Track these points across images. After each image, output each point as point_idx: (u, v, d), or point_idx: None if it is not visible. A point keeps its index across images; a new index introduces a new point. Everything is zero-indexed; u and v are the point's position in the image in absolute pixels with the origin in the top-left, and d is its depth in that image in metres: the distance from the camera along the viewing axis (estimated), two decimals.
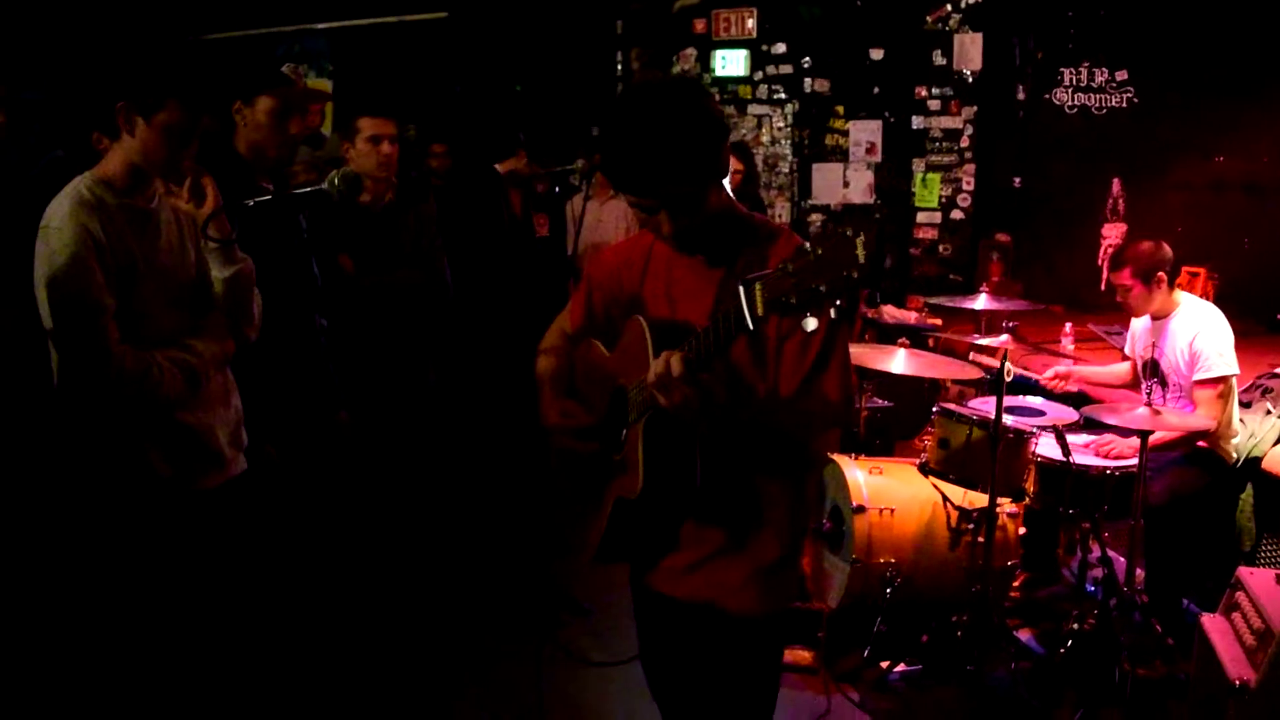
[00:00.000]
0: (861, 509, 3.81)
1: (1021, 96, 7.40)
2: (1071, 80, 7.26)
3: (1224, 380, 3.82)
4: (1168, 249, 3.93)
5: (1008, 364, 3.60)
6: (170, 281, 2.55)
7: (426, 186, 5.33)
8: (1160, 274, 3.90)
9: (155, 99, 2.40)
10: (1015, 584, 4.15)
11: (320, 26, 8.40)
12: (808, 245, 1.52)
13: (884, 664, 3.68)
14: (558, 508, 2.40)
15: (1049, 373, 4.44)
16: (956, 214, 7.60)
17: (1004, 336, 3.79)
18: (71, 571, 2.22)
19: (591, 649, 3.84)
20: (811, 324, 1.51)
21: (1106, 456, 3.85)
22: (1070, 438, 3.76)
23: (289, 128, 3.15)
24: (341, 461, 3.40)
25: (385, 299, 3.85)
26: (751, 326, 1.59)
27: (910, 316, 6.02)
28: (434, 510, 4.31)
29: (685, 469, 1.92)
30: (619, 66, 8.08)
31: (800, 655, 3.65)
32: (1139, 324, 4.19)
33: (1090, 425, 4.06)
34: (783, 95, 7.80)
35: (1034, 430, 3.78)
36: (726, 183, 2.04)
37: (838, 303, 1.49)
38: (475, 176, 5.23)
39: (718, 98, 7.84)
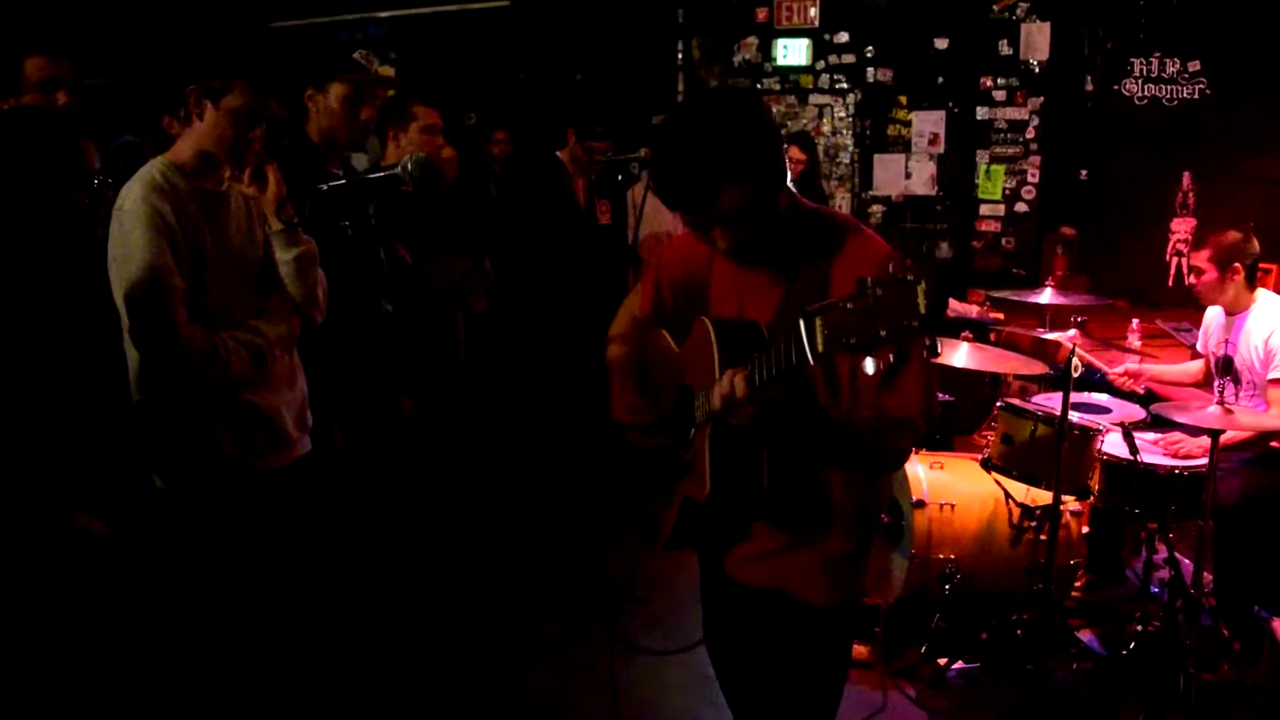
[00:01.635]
0: (921, 504, 3.77)
1: (1090, 87, 7.24)
2: (1142, 71, 7.09)
3: None
4: (1255, 244, 3.85)
5: (1074, 357, 3.53)
6: (238, 264, 2.59)
7: (486, 174, 5.36)
8: (1237, 265, 3.82)
9: (223, 83, 2.44)
10: (1077, 584, 4.09)
11: (383, 14, 8.46)
12: (869, 282, 1.43)
13: (941, 661, 3.64)
14: (619, 496, 2.40)
15: (1119, 368, 4.35)
16: (1020, 206, 7.48)
17: (1072, 331, 3.71)
18: (132, 548, 2.25)
19: (647, 637, 3.85)
20: (871, 366, 1.45)
21: (1175, 455, 3.77)
22: (1138, 435, 3.69)
23: (360, 114, 3.18)
24: (404, 447, 3.43)
25: (438, 286, 3.87)
26: (812, 362, 1.53)
27: (972, 310, 5.93)
28: (492, 497, 4.33)
29: (752, 476, 1.89)
30: (679, 55, 8.04)
31: (857, 650, 3.61)
32: (1213, 319, 4.09)
33: (1158, 423, 3.98)
34: (845, 85, 7.71)
35: (1100, 427, 3.71)
36: (788, 172, 2.01)
37: (896, 349, 1.42)
38: (537, 164, 5.23)
39: (778, 87, 7.84)
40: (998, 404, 3.89)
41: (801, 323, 1.53)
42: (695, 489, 1.95)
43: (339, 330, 2.96)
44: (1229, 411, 3.47)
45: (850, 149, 7.76)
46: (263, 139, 2.56)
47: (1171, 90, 7.03)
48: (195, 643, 2.53)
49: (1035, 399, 4.20)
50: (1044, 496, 3.65)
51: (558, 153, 5.14)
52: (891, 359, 1.42)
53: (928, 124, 7.57)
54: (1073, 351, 3.58)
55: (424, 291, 3.71)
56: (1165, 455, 3.78)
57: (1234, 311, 3.92)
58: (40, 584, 1.99)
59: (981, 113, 7.44)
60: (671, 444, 2.09)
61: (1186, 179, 7.08)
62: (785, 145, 6.15)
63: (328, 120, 3.16)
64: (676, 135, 1.84)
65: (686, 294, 2.16)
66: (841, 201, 7.74)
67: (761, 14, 7.82)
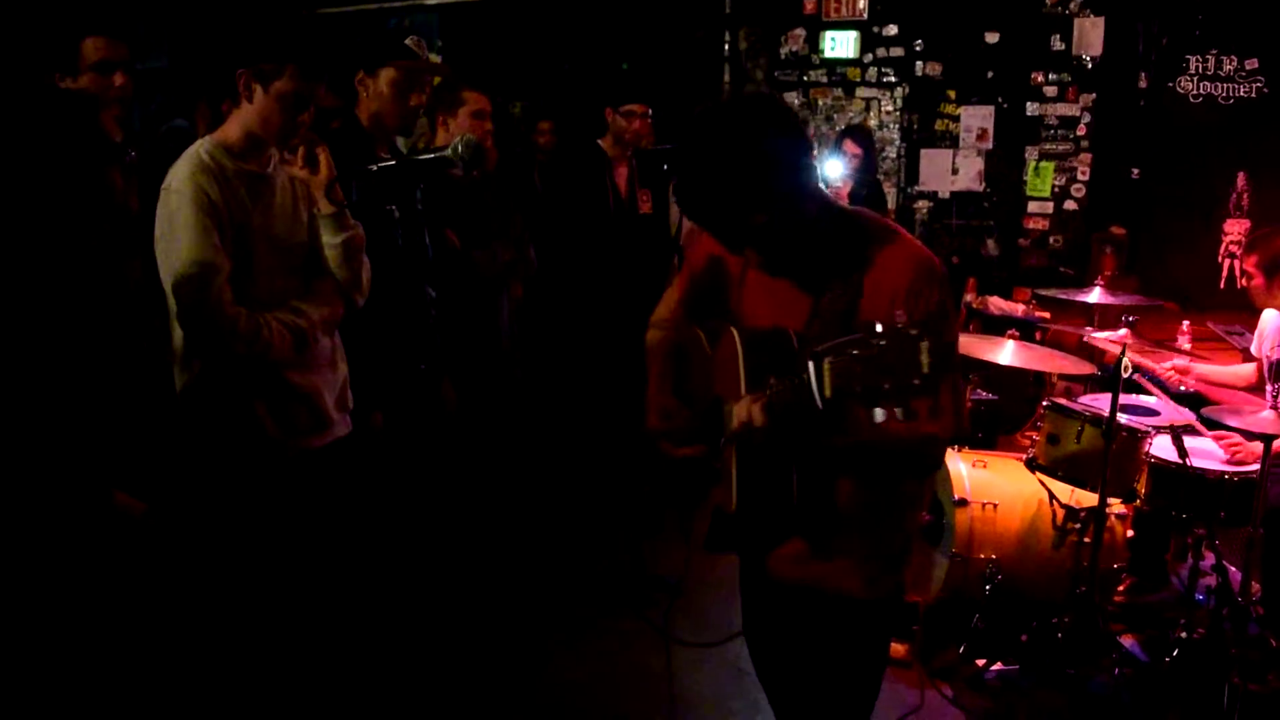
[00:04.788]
0: (964, 502, 3.73)
1: (1143, 84, 7.12)
2: (1197, 68, 6.96)
3: None
4: None
5: (1126, 359, 3.47)
6: (283, 245, 2.61)
7: (531, 164, 5.36)
8: None
9: (274, 67, 2.46)
10: (1120, 588, 4.02)
11: (430, 2, 8.48)
12: (875, 330, 1.40)
13: (980, 661, 3.60)
14: (654, 488, 2.39)
15: (1167, 364, 4.27)
16: (1070, 204, 7.37)
17: (1123, 331, 3.65)
18: (171, 526, 2.28)
19: (683, 629, 3.84)
20: (880, 416, 1.42)
21: (1232, 456, 3.69)
22: (1187, 439, 3.62)
23: (410, 100, 3.19)
24: (443, 431, 3.44)
25: (484, 273, 3.88)
26: (821, 408, 1.51)
27: (1018, 309, 5.84)
28: (529, 485, 4.34)
29: (780, 492, 1.88)
30: (726, 46, 8.00)
31: (895, 648, 3.58)
32: (1269, 322, 4.01)
33: (1208, 427, 3.90)
34: (893, 78, 7.63)
35: (1149, 430, 3.64)
36: (844, 165, 1.97)
37: (903, 408, 1.39)
38: (578, 153, 5.22)
39: (825, 80, 7.77)
40: (1044, 404, 3.83)
41: (811, 365, 1.51)
42: (725, 500, 1.94)
43: (383, 313, 2.98)
44: None
45: (897, 144, 7.68)
46: (310, 123, 2.57)
47: (1228, 88, 6.89)
48: (231, 621, 2.55)
49: (1082, 399, 4.14)
50: (1089, 498, 3.60)
51: (599, 141, 5.13)
52: (898, 414, 1.39)
53: (976, 119, 7.47)
54: (1123, 351, 3.52)
55: (470, 277, 3.72)
56: (1222, 454, 3.71)
57: None
58: (79, 562, 2.01)
59: (1032, 108, 7.33)
60: (706, 452, 2.07)
61: (1241, 179, 6.94)
62: (840, 139, 6.15)
63: (377, 105, 3.17)
64: (696, 161, 1.78)
65: (716, 287, 2.13)
66: (887, 197, 7.67)
67: (809, 5, 7.75)
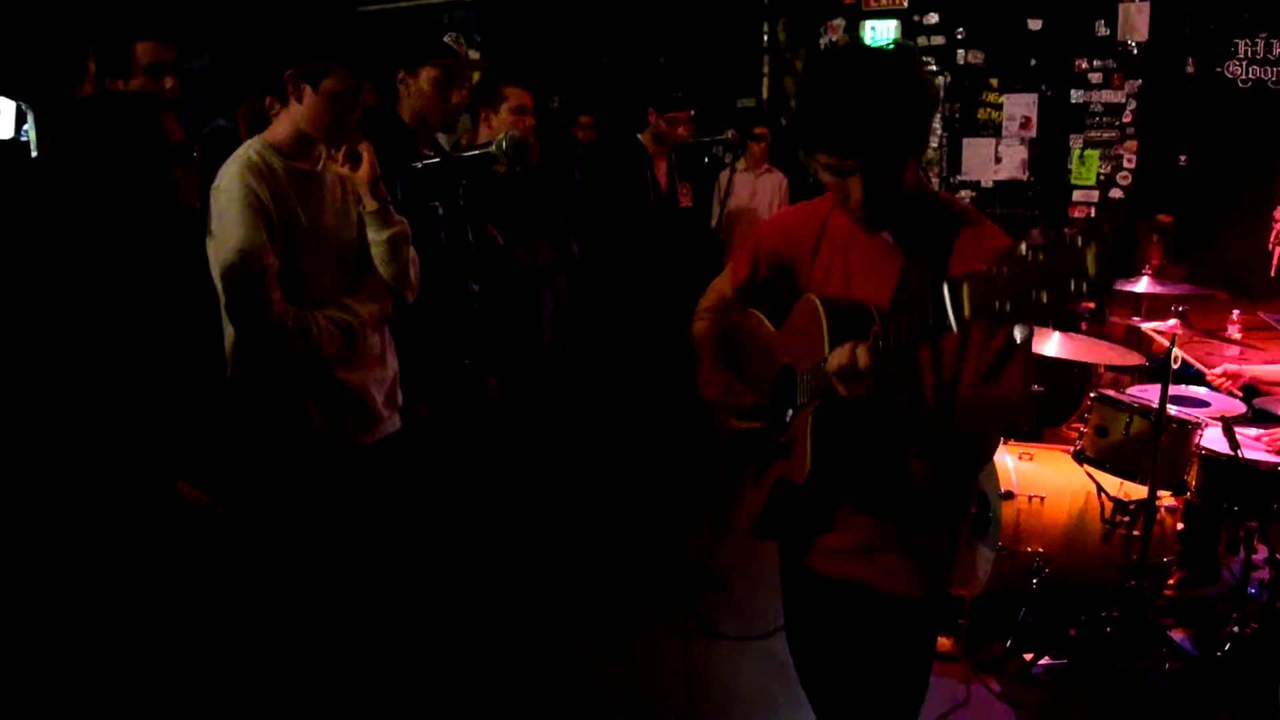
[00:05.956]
0: (1010, 495, 3.70)
1: (1190, 69, 6.99)
2: (1246, 52, 6.81)
3: None
4: None
5: (1174, 348, 3.43)
6: (332, 243, 2.63)
7: (571, 158, 5.37)
8: None
9: (322, 66, 2.48)
10: (1170, 581, 3.97)
11: None
12: (1024, 247, 1.38)
13: (1027, 656, 3.58)
14: (703, 479, 2.38)
15: (1217, 370, 4.20)
16: (1115, 192, 7.26)
17: (1173, 321, 3.60)
18: (232, 518, 2.32)
19: (725, 623, 3.84)
20: (1021, 333, 1.41)
21: (1278, 451, 3.63)
22: (1239, 430, 3.56)
23: (451, 97, 3.21)
24: (487, 426, 3.47)
25: (526, 268, 3.89)
26: (955, 329, 1.49)
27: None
28: (572, 477, 4.36)
29: (853, 459, 1.87)
30: (765, 37, 7.96)
31: (940, 642, 3.56)
32: None
33: (1260, 418, 3.84)
34: (934, 67, 7.54)
35: (1200, 421, 3.59)
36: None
37: (1057, 313, 1.38)
38: (618, 147, 5.23)
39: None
40: (1092, 395, 3.79)
41: (946, 287, 1.48)
42: (792, 471, 1.91)
43: (427, 309, 3.00)
44: None
45: (939, 133, 7.61)
46: (358, 120, 2.60)
47: (1278, 73, 6.75)
48: (275, 614, 2.58)
49: (1131, 390, 4.08)
50: (1137, 491, 3.55)
51: (639, 135, 5.13)
52: (1051, 325, 1.39)
53: (1019, 107, 7.39)
54: (1172, 341, 3.48)
55: (512, 273, 3.74)
56: (1268, 451, 3.65)
57: None
58: (144, 551, 2.05)
59: (1076, 96, 7.22)
60: (765, 427, 2.06)
61: None
62: None
63: (419, 103, 3.20)
64: (840, 69, 1.77)
65: (782, 268, 2.11)
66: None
67: None
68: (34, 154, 7.54)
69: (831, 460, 1.86)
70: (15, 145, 7.86)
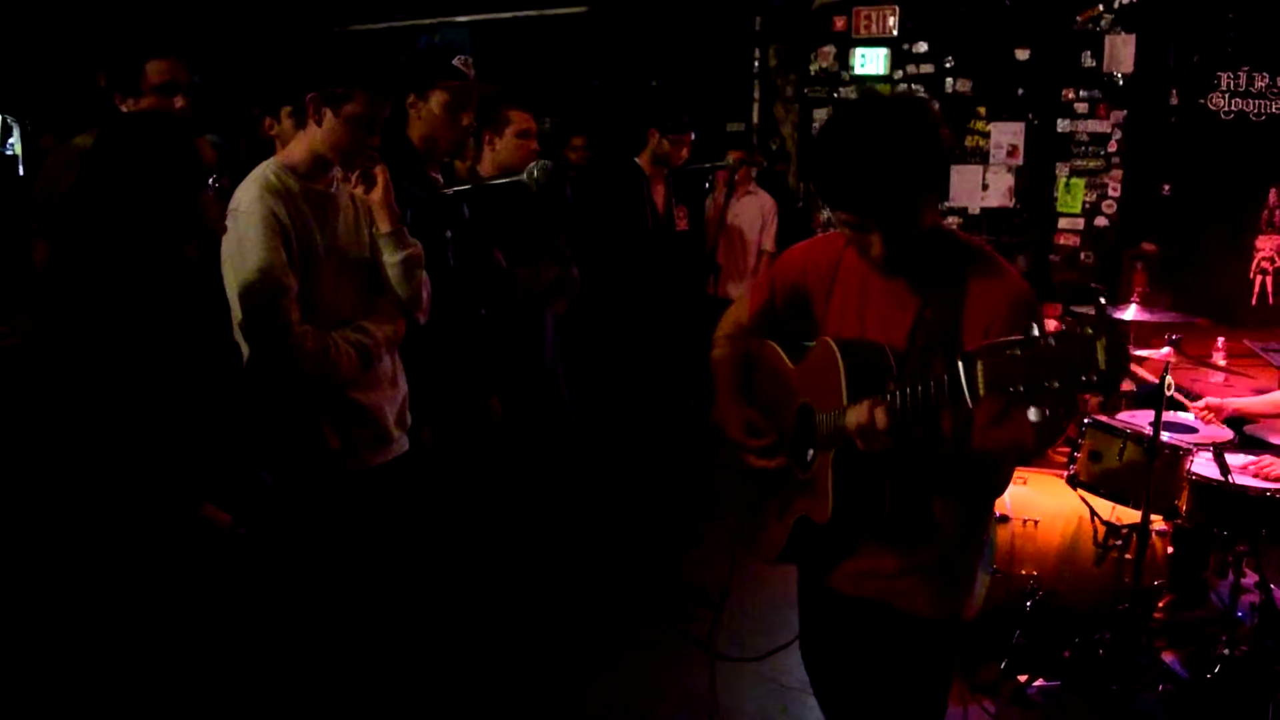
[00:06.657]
0: (1005, 518, 3.75)
1: (1174, 101, 7.11)
2: (1229, 85, 6.95)
3: None
4: None
5: (1168, 375, 3.49)
6: (348, 263, 2.66)
7: (563, 180, 5.40)
8: None
9: (345, 91, 2.51)
10: (1160, 604, 4.02)
11: (461, 19, 8.56)
12: (1037, 332, 1.42)
13: (1022, 678, 3.61)
14: (705, 501, 2.42)
15: (1200, 403, 4.26)
16: (1100, 221, 7.36)
17: (1165, 349, 3.66)
18: (255, 538, 2.33)
19: (721, 643, 3.86)
20: (1034, 415, 1.43)
21: (1266, 478, 3.70)
22: (1228, 456, 3.62)
23: (461, 120, 3.24)
24: (490, 447, 3.48)
25: (529, 290, 3.92)
26: (971, 406, 1.54)
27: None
28: (571, 498, 4.37)
29: (874, 502, 1.92)
30: (756, 63, 8.05)
31: None
32: None
33: (1248, 445, 3.91)
34: (923, 95, 7.66)
35: (1191, 448, 3.65)
36: None
37: (1067, 403, 1.41)
38: (616, 170, 5.26)
39: (855, 97, 7.79)
40: (1085, 421, 3.84)
41: (961, 365, 1.53)
42: (814, 510, 1.96)
43: (436, 332, 3.02)
44: None
45: None
46: (378, 144, 2.62)
47: (1260, 105, 6.88)
48: (285, 629, 2.59)
49: (1121, 416, 4.15)
50: (1129, 515, 3.61)
51: (636, 158, 5.17)
52: (1063, 411, 1.42)
53: (1006, 135, 7.49)
54: (1166, 368, 3.54)
55: (515, 295, 3.77)
56: (1256, 478, 3.71)
57: None
58: (169, 571, 2.06)
59: (1062, 125, 7.34)
60: (788, 464, 2.10)
61: (1273, 195, 6.92)
62: None
63: (429, 126, 3.22)
64: (865, 128, 1.80)
65: (799, 301, 2.16)
66: None
67: (839, 23, 7.79)
68: (20, 169, 7.52)
69: (853, 502, 1.92)
70: (1, 158, 7.84)
